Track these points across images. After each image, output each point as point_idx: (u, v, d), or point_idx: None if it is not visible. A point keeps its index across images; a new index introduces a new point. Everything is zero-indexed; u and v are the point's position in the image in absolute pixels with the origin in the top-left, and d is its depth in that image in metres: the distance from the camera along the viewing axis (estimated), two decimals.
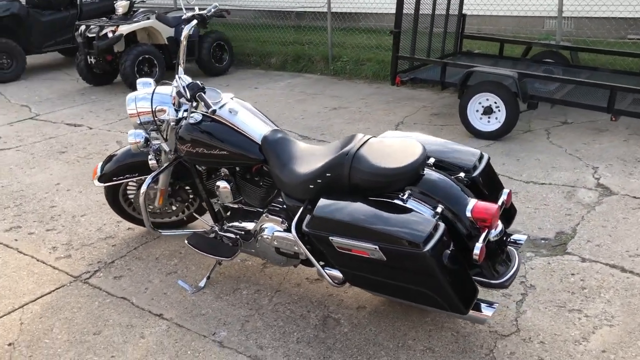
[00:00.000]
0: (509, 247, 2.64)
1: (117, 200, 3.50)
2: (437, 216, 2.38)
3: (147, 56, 7.41)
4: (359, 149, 2.55)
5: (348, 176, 2.49)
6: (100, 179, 3.36)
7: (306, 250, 2.58)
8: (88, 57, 7.55)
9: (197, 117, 2.88)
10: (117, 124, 6.12)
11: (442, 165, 2.67)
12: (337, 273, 2.58)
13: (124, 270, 3.29)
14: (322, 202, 2.46)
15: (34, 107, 7.02)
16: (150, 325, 2.79)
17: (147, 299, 3.00)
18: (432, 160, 2.65)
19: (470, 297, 2.33)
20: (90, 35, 7.42)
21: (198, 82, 2.86)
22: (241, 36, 9.62)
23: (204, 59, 8.08)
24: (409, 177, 2.45)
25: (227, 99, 3.00)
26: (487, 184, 2.67)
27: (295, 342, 2.64)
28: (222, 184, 2.98)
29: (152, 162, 3.13)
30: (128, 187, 3.52)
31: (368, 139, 2.63)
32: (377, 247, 2.27)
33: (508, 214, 2.79)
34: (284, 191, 2.76)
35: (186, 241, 3.12)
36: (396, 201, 2.42)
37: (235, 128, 2.85)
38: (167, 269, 3.28)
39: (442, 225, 2.30)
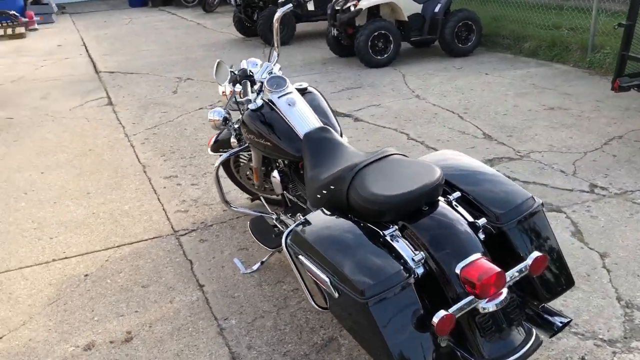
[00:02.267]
0: (528, 325, 2.02)
1: (230, 170, 3.72)
2: (415, 265, 1.95)
3: (382, 32, 7.43)
4: (367, 165, 2.23)
5: (347, 194, 2.20)
6: (212, 148, 3.60)
7: (292, 264, 2.39)
8: (332, 28, 7.94)
9: (258, 103, 2.85)
10: (330, 95, 6.35)
11: (470, 203, 2.14)
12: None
13: (212, 235, 3.52)
14: (309, 216, 2.24)
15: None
16: (185, 293, 2.96)
17: (204, 268, 3.17)
18: (456, 195, 2.15)
19: None
20: (337, 8, 7.77)
21: (258, 69, 2.85)
22: (502, 15, 8.89)
23: (446, 38, 7.74)
24: (402, 209, 2.05)
25: (292, 88, 2.88)
26: (522, 240, 2.06)
27: (283, 354, 2.50)
28: (274, 174, 2.92)
29: (233, 141, 3.23)
30: (240, 159, 3.70)
31: (389, 155, 2.26)
32: (329, 280, 1.99)
33: (548, 284, 2.11)
34: (305, 194, 2.59)
35: (249, 222, 3.17)
36: (385, 235, 2.05)
37: (286, 120, 2.74)
38: (243, 244, 3.39)
39: (408, 279, 1.88)
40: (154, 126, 5.64)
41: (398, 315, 1.86)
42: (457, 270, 1.91)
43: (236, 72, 2.88)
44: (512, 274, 1.95)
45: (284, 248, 2.30)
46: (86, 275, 3.17)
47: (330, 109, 2.94)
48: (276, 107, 2.80)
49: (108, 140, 5.34)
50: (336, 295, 1.97)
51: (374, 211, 2.08)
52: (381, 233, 2.05)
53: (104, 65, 8.58)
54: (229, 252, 3.31)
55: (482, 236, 2.06)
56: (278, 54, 3.14)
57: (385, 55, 7.56)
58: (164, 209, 3.89)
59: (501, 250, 2.08)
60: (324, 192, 2.34)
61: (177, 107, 6.25)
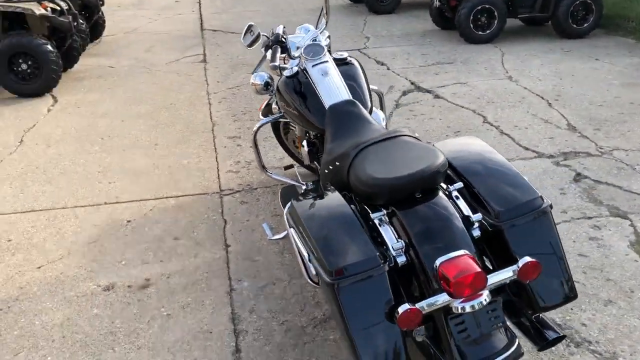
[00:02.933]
0: (511, 333, 1.86)
1: (280, 136, 3.73)
2: (396, 252, 1.86)
3: (486, 6, 7.02)
4: (373, 144, 2.13)
5: (348, 172, 2.13)
6: (262, 112, 3.62)
7: (293, 237, 2.35)
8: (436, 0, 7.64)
9: (293, 70, 2.81)
10: (411, 70, 6.15)
11: (473, 195, 1.99)
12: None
13: (254, 199, 3.57)
14: (309, 190, 2.20)
15: (370, 40, 7.59)
16: (210, 250, 3.05)
17: (236, 229, 3.24)
18: (458, 186, 2.00)
19: None
20: None
21: (289, 35, 2.81)
22: None
23: (559, 17, 7.16)
24: (393, 194, 1.95)
25: (328, 57, 2.80)
26: (518, 242, 1.88)
27: (281, 323, 2.51)
28: (303, 144, 2.88)
29: (275, 107, 3.22)
30: (290, 126, 3.69)
31: (398, 136, 2.15)
32: (307, 256, 1.96)
33: (544, 293, 1.91)
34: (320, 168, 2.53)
35: (280, 189, 3.17)
36: (373, 218, 1.97)
37: (316, 90, 2.68)
38: (279, 211, 3.41)
39: (380, 267, 1.80)
40: (236, 86, 5.77)
41: (366, 301, 1.78)
42: (436, 265, 1.79)
43: (269, 37, 2.85)
44: (497, 277, 1.80)
45: (285, 220, 2.28)
46: (129, 221, 3.35)
47: (367, 82, 2.83)
48: (309, 76, 2.74)
49: (190, 95, 5.55)
50: (313, 272, 1.93)
51: (367, 193, 2.00)
52: (370, 216, 1.96)
53: (210, 24, 8.87)
54: (263, 217, 3.35)
55: (477, 233, 1.91)
56: (327, 22, 3.06)
57: (488, 32, 7.15)
58: (217, 168, 4.00)
59: (497, 250, 1.92)
60: (330, 167, 2.27)
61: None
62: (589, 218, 3.19)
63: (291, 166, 3.56)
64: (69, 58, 6.26)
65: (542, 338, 1.92)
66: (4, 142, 4.56)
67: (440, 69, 6.15)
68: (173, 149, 4.34)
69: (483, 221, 1.92)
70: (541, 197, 1.94)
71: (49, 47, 5.52)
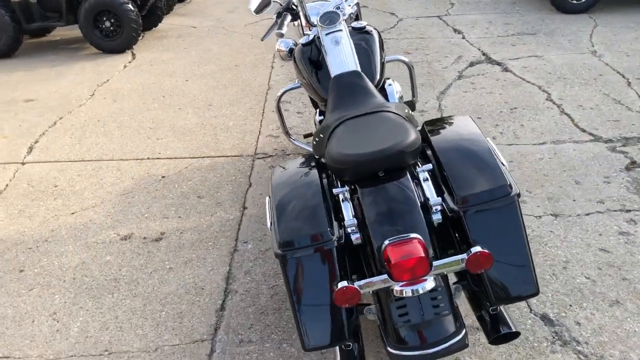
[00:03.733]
0: (460, 323, 1.79)
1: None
2: (351, 230, 1.85)
3: None
4: (353, 118, 2.11)
5: (326, 144, 2.13)
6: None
7: (266, 205, 2.34)
8: None
9: (309, 38, 2.79)
10: (487, 40, 5.83)
11: (443, 178, 1.92)
12: None
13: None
14: (289, 161, 2.22)
15: (454, 7, 7.27)
16: (227, 211, 3.16)
17: (257, 192, 3.33)
18: (427, 167, 1.93)
19: (319, 337, 1.81)
20: None
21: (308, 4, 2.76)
22: None
23: None
24: (356, 171, 1.92)
25: (342, 26, 2.74)
26: (476, 230, 1.80)
27: (271, 287, 2.59)
28: (316, 113, 2.88)
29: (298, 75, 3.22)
30: None
31: (376, 112, 2.10)
32: (269, 226, 2.00)
33: (500, 286, 1.81)
34: None
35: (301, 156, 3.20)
36: (335, 193, 1.96)
37: (325, 59, 2.65)
38: None
39: (329, 242, 1.80)
40: None
41: (311, 275, 1.80)
42: (384, 246, 1.76)
43: (281, 3, 2.84)
44: (443, 264, 1.73)
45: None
46: (163, 177, 3.54)
47: (382, 54, 2.75)
48: (321, 44, 2.71)
49: (256, 58, 5.66)
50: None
51: (333, 168, 1.98)
52: (334, 192, 1.95)
53: None
54: None
55: (436, 217, 1.85)
56: None
57: (584, 0, 6.59)
58: (259, 131, 4.08)
59: (458, 235, 1.85)
60: (317, 139, 2.27)
61: None
62: (627, 211, 2.93)
63: (311, 134, 3.56)
64: (153, 17, 6.57)
65: (495, 331, 1.84)
66: (78, 95, 4.92)
67: (518, 40, 5.79)
68: (224, 110, 4.47)
69: (444, 205, 1.84)
70: (510, 185, 1.83)
71: (130, 6, 5.82)
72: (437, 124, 2.19)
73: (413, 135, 1.91)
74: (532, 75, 4.83)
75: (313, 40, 2.76)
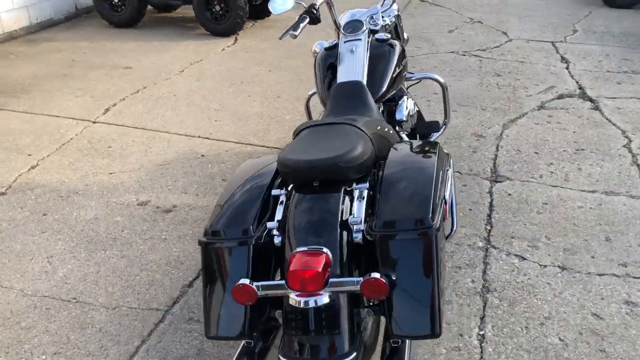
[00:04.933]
0: (352, 348, 1.76)
1: None
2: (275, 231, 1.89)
3: None
4: (315, 126, 2.13)
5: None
6: None
7: None
8: None
9: (332, 43, 2.83)
10: (592, 73, 5.42)
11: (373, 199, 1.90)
12: None
13: None
14: (264, 157, 2.29)
15: (575, 35, 6.81)
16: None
17: None
18: (363, 186, 1.91)
19: (219, 329, 1.88)
20: None
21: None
22: None
23: None
24: (293, 176, 1.95)
25: (363, 36, 2.74)
26: (384, 257, 1.75)
27: None
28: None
29: None
30: None
31: (340, 123, 2.10)
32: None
33: (400, 320, 1.74)
34: None
35: None
36: (273, 194, 2.01)
37: (337, 66, 2.68)
38: None
39: (246, 239, 1.86)
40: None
41: (223, 267, 1.86)
42: (292, 253, 1.78)
43: (305, 5, 2.86)
44: (339, 284, 1.71)
45: None
46: (202, 155, 3.76)
47: (396, 69, 2.71)
48: (338, 51, 2.73)
49: None
50: None
51: (279, 170, 2.02)
52: (272, 193, 2.00)
53: None
54: None
55: (357, 236, 1.82)
56: (394, 1, 2.98)
57: None
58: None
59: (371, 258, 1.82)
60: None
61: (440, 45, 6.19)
62: None
63: None
64: (265, 7, 6.88)
65: None
66: (169, 69, 5.33)
67: (628, 79, 5.31)
68: (289, 103, 4.61)
69: (362, 227, 1.82)
70: (430, 218, 1.75)
71: None
72: (404, 146, 2.14)
73: (357, 152, 1.90)
74: (620, 118, 4.42)
75: (335, 46, 2.79)
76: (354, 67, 2.60)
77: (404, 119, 2.72)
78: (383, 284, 1.65)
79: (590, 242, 2.90)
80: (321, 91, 2.66)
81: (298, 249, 1.76)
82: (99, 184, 3.38)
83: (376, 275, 1.66)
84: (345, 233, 1.82)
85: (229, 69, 5.36)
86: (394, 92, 2.75)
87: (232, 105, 4.52)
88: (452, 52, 5.95)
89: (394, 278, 1.72)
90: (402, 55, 2.76)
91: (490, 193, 3.34)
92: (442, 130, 3.21)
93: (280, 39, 2.83)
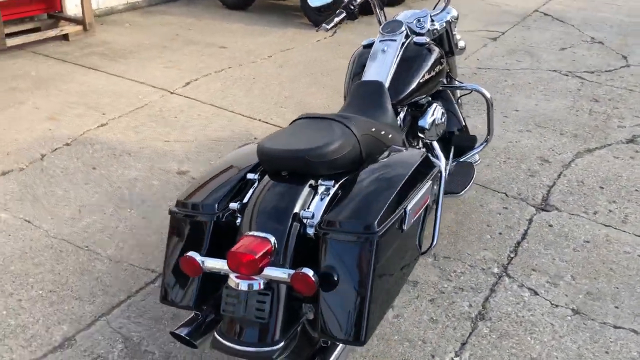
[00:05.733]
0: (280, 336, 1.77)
1: None
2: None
3: None
4: (307, 118, 2.14)
5: None
6: None
7: None
8: None
9: (370, 41, 2.79)
10: None
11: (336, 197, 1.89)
12: None
13: None
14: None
15: None
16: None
17: None
18: (329, 183, 1.90)
19: (170, 295, 1.96)
20: None
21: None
22: None
23: None
24: (264, 163, 1.99)
25: (399, 37, 2.68)
26: (325, 255, 1.74)
27: None
28: None
29: None
30: None
31: (331, 119, 2.09)
32: None
33: (327, 320, 1.72)
34: None
35: None
36: (247, 177, 2.05)
37: (366, 64, 2.66)
38: None
39: (210, 215, 1.93)
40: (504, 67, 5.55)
41: (183, 238, 1.94)
42: (241, 235, 1.82)
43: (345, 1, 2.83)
44: (272, 272, 1.72)
45: None
46: (255, 138, 3.88)
47: (428, 75, 2.62)
48: (372, 49, 2.70)
49: None
50: None
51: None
52: (247, 176, 2.04)
53: (546, 7, 8.31)
54: None
55: (310, 231, 1.83)
56: (446, 4, 2.89)
57: None
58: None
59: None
60: None
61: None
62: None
63: None
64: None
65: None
66: (259, 53, 5.52)
67: None
68: (332, 97, 4.61)
69: (314, 222, 1.81)
70: (375, 224, 1.70)
71: None
72: (394, 151, 2.11)
73: (329, 148, 1.88)
74: None
75: (371, 44, 2.76)
76: (380, 67, 2.56)
77: (426, 126, 2.63)
78: (310, 280, 1.64)
79: (621, 291, 2.64)
80: (346, 86, 2.65)
81: (248, 233, 1.79)
82: (151, 148, 3.61)
83: (306, 270, 1.65)
84: (298, 225, 1.82)
85: (314, 59, 5.45)
86: (422, 97, 2.67)
87: (301, 95, 4.60)
88: (555, 71, 5.59)
89: (328, 277, 1.70)
90: (438, 61, 2.66)
91: (530, 221, 3.13)
92: (480, 147, 3.06)
93: (316, 31, 2.84)
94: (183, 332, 1.86)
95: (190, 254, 1.80)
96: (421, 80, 2.57)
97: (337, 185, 1.92)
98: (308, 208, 1.84)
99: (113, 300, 2.39)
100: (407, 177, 1.90)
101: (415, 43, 2.68)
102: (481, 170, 3.60)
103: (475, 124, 4.21)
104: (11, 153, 3.45)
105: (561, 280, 2.68)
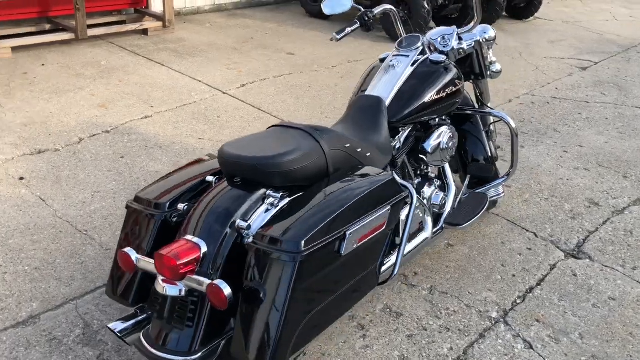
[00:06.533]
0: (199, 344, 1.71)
1: None
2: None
3: None
4: (284, 127, 2.08)
5: None
6: None
7: None
8: None
9: (386, 55, 2.67)
10: None
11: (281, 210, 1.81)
12: None
13: None
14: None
15: None
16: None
17: None
18: (276, 195, 1.83)
19: (112, 289, 1.97)
20: None
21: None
22: None
23: None
24: (221, 166, 1.95)
25: (412, 54, 2.53)
26: (247, 267, 1.66)
27: None
28: None
29: None
30: None
31: (306, 132, 1.99)
32: None
33: (240, 340, 1.63)
34: None
35: None
36: (207, 180, 2.03)
37: (373, 78, 2.55)
38: None
39: (159, 213, 1.92)
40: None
41: (133, 234, 1.94)
42: (178, 238, 1.79)
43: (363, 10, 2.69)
44: (192, 280, 1.67)
45: None
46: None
47: (437, 95, 2.45)
48: (384, 64, 2.58)
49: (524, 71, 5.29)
50: None
51: None
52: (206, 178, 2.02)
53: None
54: None
55: (246, 241, 1.76)
56: (475, 23, 2.70)
57: None
58: None
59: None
60: None
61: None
62: None
63: None
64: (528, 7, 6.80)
65: None
66: (324, 63, 5.49)
67: None
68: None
69: (250, 233, 1.74)
70: (303, 243, 1.60)
71: (425, 3, 6.05)
72: (362, 171, 1.99)
73: (285, 159, 1.81)
74: None
75: (385, 59, 2.64)
76: (385, 82, 2.45)
77: (428, 150, 2.46)
78: (222, 294, 1.57)
79: None
80: (351, 98, 2.54)
81: (183, 236, 1.75)
82: (182, 144, 3.67)
83: (219, 283, 1.58)
84: (235, 235, 1.75)
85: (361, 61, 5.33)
86: (433, 118, 2.50)
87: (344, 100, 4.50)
88: None
89: (250, 293, 1.62)
90: (452, 82, 2.49)
91: (553, 267, 2.84)
92: (500, 180, 2.83)
93: (331, 40, 2.75)
94: (116, 327, 1.85)
95: (127, 249, 1.79)
96: (427, 100, 2.41)
97: (287, 199, 1.84)
98: (249, 218, 1.76)
99: (89, 286, 2.43)
100: (355, 199, 1.78)
101: (431, 61, 2.52)
102: (515, 205, 3.33)
103: (528, 156, 3.92)
104: (53, 134, 3.64)
105: (566, 337, 2.39)
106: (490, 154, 2.91)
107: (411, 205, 2.10)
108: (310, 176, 1.89)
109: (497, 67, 2.89)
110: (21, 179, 3.14)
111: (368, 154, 2.12)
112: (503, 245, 2.97)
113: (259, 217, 1.77)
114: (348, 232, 1.72)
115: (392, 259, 2.09)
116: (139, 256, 1.78)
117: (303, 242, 1.60)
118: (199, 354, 1.69)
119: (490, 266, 2.80)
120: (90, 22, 5.37)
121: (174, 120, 3.98)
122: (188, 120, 3.99)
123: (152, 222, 1.88)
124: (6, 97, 4.10)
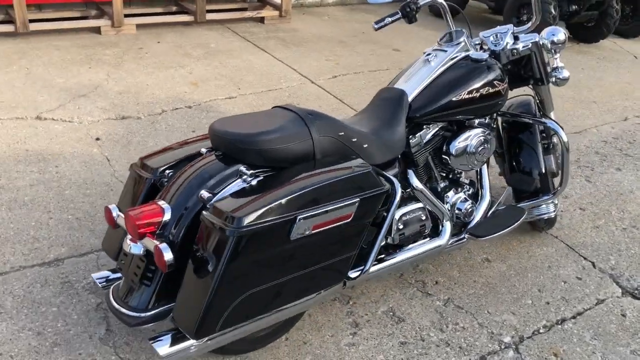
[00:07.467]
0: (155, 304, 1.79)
1: None
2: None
3: None
4: (284, 108, 2.08)
5: None
6: None
7: None
8: None
9: (428, 50, 2.55)
10: None
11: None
12: None
13: None
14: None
15: None
16: None
17: None
18: (250, 172, 1.84)
19: (103, 242, 2.10)
20: None
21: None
22: None
23: None
24: (210, 140, 2.00)
25: (452, 49, 2.39)
26: (199, 240, 1.69)
27: None
28: None
29: None
30: None
31: (302, 119, 1.97)
32: None
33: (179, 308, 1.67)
34: None
35: None
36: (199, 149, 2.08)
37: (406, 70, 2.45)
38: None
39: (149, 177, 2.02)
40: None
41: (129, 193, 2.06)
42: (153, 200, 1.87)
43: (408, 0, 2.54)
44: (148, 242, 1.74)
45: None
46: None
47: (469, 95, 2.29)
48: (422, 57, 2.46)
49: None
50: None
51: None
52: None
53: None
54: None
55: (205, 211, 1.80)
56: (534, 23, 2.49)
57: None
58: None
59: None
60: None
61: None
62: None
63: None
64: (596, 29, 6.22)
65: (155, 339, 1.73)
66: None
67: None
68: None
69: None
70: (244, 219, 1.59)
71: (551, 7, 5.63)
72: (349, 163, 1.94)
73: (262, 138, 1.83)
74: None
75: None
76: (415, 76, 2.36)
77: (452, 151, 2.31)
78: (162, 257, 1.62)
79: None
80: None
81: (157, 200, 1.83)
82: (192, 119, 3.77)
83: (162, 247, 1.63)
84: (200, 205, 1.80)
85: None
86: (469, 119, 2.35)
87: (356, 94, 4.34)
88: None
89: (195, 260, 1.66)
90: (491, 83, 2.31)
91: (601, 302, 2.53)
92: (545, 197, 2.58)
93: (374, 29, 2.67)
94: (97, 276, 1.98)
95: (111, 206, 1.90)
96: (455, 99, 2.26)
97: (260, 177, 1.83)
98: (218, 192, 1.79)
99: (50, 257, 2.45)
100: (317, 185, 1.73)
101: (471, 58, 2.35)
102: (581, 230, 3.00)
103: (621, 180, 3.50)
104: (140, 104, 3.94)
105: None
106: (543, 168, 2.65)
107: (392, 202, 1.99)
108: (292, 159, 1.87)
109: (564, 73, 2.62)
110: (97, 139, 3.44)
111: (365, 145, 2.04)
112: (549, 269, 2.70)
113: (227, 192, 1.78)
114: (300, 217, 1.67)
115: (372, 256, 2.00)
116: (120, 213, 1.88)
117: (246, 217, 1.59)
118: (150, 313, 1.75)
119: (524, 289, 2.56)
120: (211, 7, 5.71)
121: (254, 104, 4.11)
122: (267, 105, 4.10)
123: (143, 184, 1.97)
124: (115, 67, 4.51)
